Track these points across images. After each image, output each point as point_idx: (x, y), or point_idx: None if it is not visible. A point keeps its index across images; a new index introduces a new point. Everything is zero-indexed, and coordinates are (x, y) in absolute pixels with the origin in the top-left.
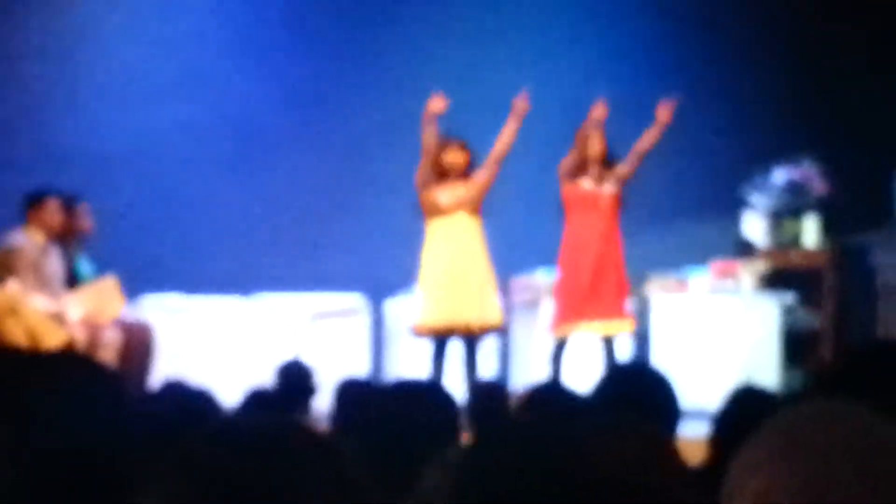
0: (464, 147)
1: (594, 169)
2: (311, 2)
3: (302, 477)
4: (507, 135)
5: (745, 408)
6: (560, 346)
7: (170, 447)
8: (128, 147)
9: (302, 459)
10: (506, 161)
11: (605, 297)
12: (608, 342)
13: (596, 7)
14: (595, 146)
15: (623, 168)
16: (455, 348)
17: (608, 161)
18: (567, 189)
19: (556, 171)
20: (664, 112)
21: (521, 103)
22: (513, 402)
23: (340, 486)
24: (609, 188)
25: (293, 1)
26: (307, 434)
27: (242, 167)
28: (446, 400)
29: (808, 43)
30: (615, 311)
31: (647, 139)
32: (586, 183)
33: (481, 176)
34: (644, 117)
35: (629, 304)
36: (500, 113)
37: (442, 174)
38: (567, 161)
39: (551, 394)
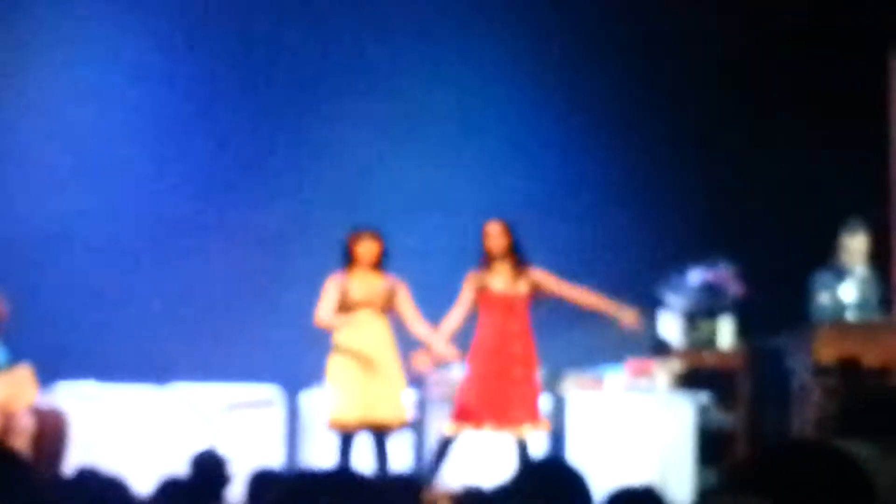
0: (376, 237)
1: (503, 267)
2: (222, 89)
3: None
4: (412, 329)
5: None
6: (448, 441)
7: None
8: (39, 234)
9: None
10: (421, 255)
11: (516, 401)
12: (521, 442)
13: (511, 106)
14: (497, 241)
15: (545, 284)
16: (364, 442)
17: (520, 260)
18: (478, 291)
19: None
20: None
21: (420, 367)
22: (426, 496)
23: None
24: (522, 288)
25: (204, 88)
26: None
27: (158, 256)
28: (362, 484)
29: (723, 146)
30: (528, 416)
31: (584, 301)
32: (497, 283)
33: (401, 299)
34: (558, 215)
35: (542, 403)
36: (408, 203)
37: (354, 264)
38: (474, 275)
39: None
